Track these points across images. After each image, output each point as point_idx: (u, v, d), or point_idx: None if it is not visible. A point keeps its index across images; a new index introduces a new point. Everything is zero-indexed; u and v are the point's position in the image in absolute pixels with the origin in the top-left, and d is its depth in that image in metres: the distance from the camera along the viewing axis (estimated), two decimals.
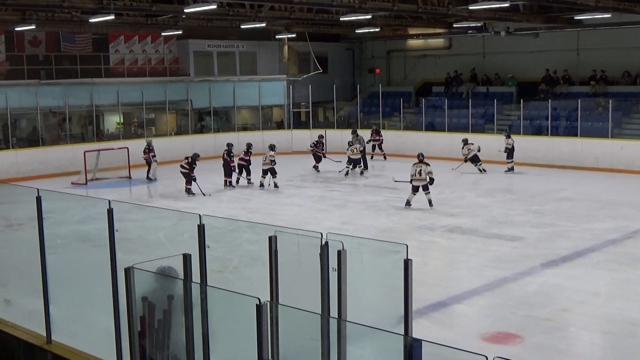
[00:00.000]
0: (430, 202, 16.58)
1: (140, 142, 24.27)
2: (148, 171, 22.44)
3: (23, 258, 8.90)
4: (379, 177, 23.03)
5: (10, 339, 7.19)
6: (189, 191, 19.36)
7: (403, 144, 27.06)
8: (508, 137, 23.07)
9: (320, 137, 25.36)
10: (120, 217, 7.03)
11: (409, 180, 16.89)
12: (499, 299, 10.34)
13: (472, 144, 22.92)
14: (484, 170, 22.48)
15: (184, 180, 19.62)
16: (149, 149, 22.52)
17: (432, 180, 16.66)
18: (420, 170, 16.60)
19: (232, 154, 20.87)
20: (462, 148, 22.96)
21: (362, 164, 23.29)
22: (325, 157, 24.31)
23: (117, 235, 6.80)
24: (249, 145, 21.44)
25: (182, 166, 19.73)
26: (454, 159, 24.84)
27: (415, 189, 16.73)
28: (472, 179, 21.90)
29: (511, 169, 22.80)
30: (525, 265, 12.00)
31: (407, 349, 3.89)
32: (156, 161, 22.62)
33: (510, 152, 22.91)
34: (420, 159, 17.00)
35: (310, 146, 24.78)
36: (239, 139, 27.88)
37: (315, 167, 23.87)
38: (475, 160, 22.61)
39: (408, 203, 16.68)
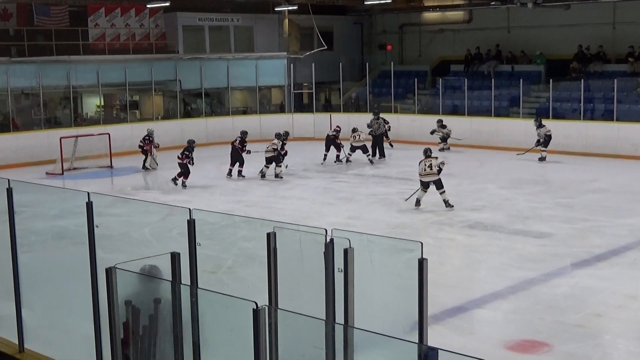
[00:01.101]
0: (447, 202, 16.03)
1: (122, 128, 24.33)
2: (145, 160, 22.44)
3: None
4: (390, 166, 23.02)
5: None
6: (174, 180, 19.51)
7: (418, 130, 27.03)
8: (540, 126, 22.55)
9: (338, 127, 24.47)
10: (101, 212, 7.04)
11: (420, 182, 16.42)
12: (525, 303, 10.34)
13: (446, 126, 25.35)
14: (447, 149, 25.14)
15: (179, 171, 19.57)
16: (149, 140, 22.45)
17: (439, 171, 16.17)
18: (431, 164, 16.17)
19: (245, 143, 21.03)
20: (436, 131, 25.16)
21: (367, 151, 23.18)
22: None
23: (97, 232, 6.81)
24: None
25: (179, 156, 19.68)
26: (475, 146, 24.86)
27: (425, 185, 16.23)
28: (495, 168, 21.88)
29: (543, 158, 22.66)
30: (554, 265, 11.99)
31: (422, 358, 3.89)
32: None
33: (546, 141, 22.63)
34: (428, 154, 16.50)
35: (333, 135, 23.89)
36: (233, 124, 27.99)
37: (337, 157, 23.49)
38: (444, 140, 25.23)
39: (418, 203, 16.25)
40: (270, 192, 18.73)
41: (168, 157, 22.71)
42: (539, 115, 24.87)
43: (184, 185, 19.30)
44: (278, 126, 25.58)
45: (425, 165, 16.26)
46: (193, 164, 19.55)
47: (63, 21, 27.45)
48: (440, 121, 25.78)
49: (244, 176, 20.67)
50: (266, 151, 20.57)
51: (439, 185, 16.17)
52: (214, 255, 11.14)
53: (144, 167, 22.46)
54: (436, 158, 16.53)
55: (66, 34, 27.04)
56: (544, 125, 22.76)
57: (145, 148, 22.47)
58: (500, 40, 30.31)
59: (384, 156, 24.19)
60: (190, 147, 19.78)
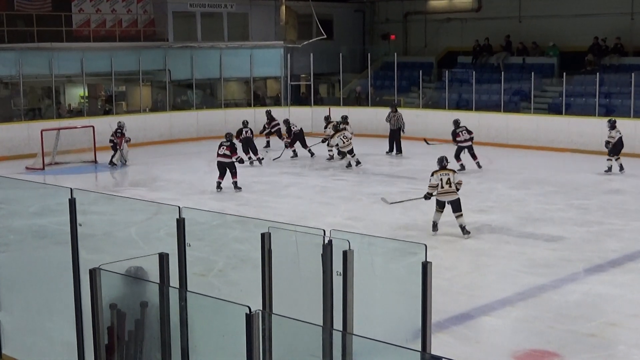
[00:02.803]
0: (464, 228, 14.02)
1: (107, 120, 24.28)
2: (113, 156, 22.36)
3: None
4: (393, 164, 23.03)
5: None
6: (235, 185, 18.50)
7: (422, 125, 27.04)
8: (613, 127, 21.04)
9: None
10: (85, 209, 7.05)
11: (425, 194, 14.46)
12: (535, 311, 10.36)
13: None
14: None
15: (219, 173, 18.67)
16: (121, 133, 22.40)
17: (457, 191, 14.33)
18: (449, 179, 14.08)
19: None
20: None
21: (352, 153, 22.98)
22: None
23: (80, 231, 6.83)
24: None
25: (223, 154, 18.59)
26: (483, 143, 24.83)
27: (441, 205, 14.17)
28: (504, 167, 21.89)
29: (609, 169, 20.75)
30: (566, 271, 12.01)
31: None
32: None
33: (614, 147, 20.78)
34: (444, 164, 14.47)
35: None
36: (225, 117, 27.99)
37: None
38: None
39: (435, 226, 14.23)
40: (265, 191, 18.73)
41: (153, 152, 22.74)
42: (549, 106, 24.91)
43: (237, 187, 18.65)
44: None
45: (442, 180, 14.12)
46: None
47: (45, 6, 27.43)
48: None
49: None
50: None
51: (456, 206, 14.10)
52: (204, 257, 11.14)
53: (111, 162, 22.30)
54: (454, 172, 14.50)
55: (48, 20, 27.00)
56: (616, 128, 21.00)
57: (116, 141, 22.34)
58: (511, 31, 30.33)
59: (401, 152, 24.21)
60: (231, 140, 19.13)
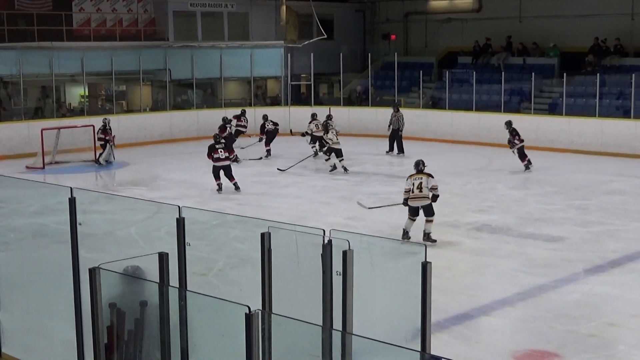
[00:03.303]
0: (427, 235, 13.48)
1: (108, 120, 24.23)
2: (101, 154, 22.37)
3: None
4: (393, 164, 23.02)
5: None
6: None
7: (423, 125, 27.05)
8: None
9: (244, 111, 26.05)
10: (85, 208, 7.05)
11: (403, 201, 13.81)
12: (535, 311, 10.36)
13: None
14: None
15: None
16: (110, 129, 22.45)
17: (435, 198, 13.61)
18: (420, 183, 13.44)
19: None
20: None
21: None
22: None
23: (80, 230, 6.83)
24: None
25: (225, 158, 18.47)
26: (483, 143, 24.86)
27: (413, 212, 13.59)
28: (504, 167, 21.89)
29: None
30: (567, 271, 12.01)
31: None
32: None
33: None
34: (420, 168, 13.74)
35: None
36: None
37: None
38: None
39: (406, 234, 13.62)
40: (265, 191, 18.73)
41: (154, 151, 22.75)
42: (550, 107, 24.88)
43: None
44: (275, 119, 25.57)
45: (413, 184, 13.51)
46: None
47: (45, 5, 27.42)
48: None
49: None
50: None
51: (428, 211, 13.51)
52: (204, 257, 11.14)
53: (97, 161, 22.28)
54: (430, 176, 13.60)
55: (49, 19, 26.99)
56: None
57: (107, 138, 22.35)
58: (512, 31, 30.31)
59: (403, 152, 24.24)
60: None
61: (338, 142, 21.00)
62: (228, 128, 22.61)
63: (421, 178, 13.53)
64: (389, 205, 15.24)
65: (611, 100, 25.44)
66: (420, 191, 13.43)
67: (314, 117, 24.43)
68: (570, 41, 28.86)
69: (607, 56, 27.64)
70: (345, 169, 20.86)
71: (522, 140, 21.09)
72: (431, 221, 13.48)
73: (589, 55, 27.83)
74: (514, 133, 21.11)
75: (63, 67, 26.24)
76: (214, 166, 18.29)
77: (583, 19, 28.60)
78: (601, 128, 24.35)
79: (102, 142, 22.38)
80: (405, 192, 13.66)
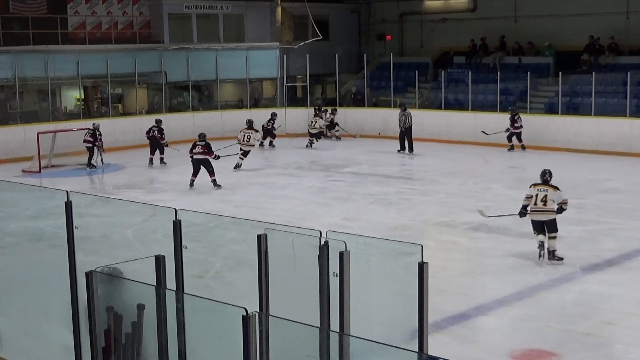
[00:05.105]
0: (552, 253, 12.25)
1: (103, 122, 24.21)
2: (91, 157, 22.34)
3: None
4: (390, 165, 23.03)
5: None
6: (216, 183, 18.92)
7: (418, 126, 26.99)
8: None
9: (274, 114, 26.84)
10: (81, 212, 7.04)
11: (519, 212, 12.85)
12: (532, 310, 10.36)
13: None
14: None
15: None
16: (99, 134, 22.44)
17: (561, 211, 12.40)
18: (545, 196, 12.22)
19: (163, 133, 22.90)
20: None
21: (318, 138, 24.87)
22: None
23: (76, 233, 6.82)
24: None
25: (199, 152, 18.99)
26: (479, 143, 24.87)
27: (539, 228, 12.36)
28: (500, 166, 21.92)
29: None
30: (563, 270, 12.01)
31: None
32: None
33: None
34: (546, 178, 12.49)
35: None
36: (222, 119, 27.98)
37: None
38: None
39: (541, 254, 12.31)
40: (261, 192, 18.73)
41: (149, 153, 22.72)
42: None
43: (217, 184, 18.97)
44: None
45: (537, 197, 12.28)
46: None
47: (40, 8, 27.39)
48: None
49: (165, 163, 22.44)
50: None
51: (551, 227, 12.26)
52: (201, 259, 11.15)
53: (90, 165, 22.29)
54: (556, 188, 12.35)
55: (44, 22, 26.98)
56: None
57: (97, 143, 22.32)
58: (507, 31, 30.34)
59: (412, 150, 24.41)
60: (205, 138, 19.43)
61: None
62: (152, 131, 22.75)
63: (546, 190, 12.27)
64: (508, 215, 14.15)
65: (607, 99, 25.46)
66: (545, 204, 12.20)
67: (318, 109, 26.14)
68: (566, 40, 28.89)
69: (602, 55, 27.68)
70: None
71: (520, 127, 23.79)
72: (554, 237, 12.23)
73: (584, 54, 27.85)
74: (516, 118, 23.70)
75: (59, 71, 26.22)
76: (193, 159, 18.98)
77: (578, 18, 28.64)
78: (597, 127, 24.37)
79: (89, 145, 22.28)
80: (527, 198, 12.52)
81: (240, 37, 31.74)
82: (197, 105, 30.01)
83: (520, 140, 24.50)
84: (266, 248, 5.87)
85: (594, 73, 25.32)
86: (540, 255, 12.27)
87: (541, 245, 12.28)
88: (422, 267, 5.41)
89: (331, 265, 5.71)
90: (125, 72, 27.69)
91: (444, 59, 32.12)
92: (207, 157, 18.86)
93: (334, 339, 5.02)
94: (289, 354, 4.86)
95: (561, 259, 12.24)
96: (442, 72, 29.07)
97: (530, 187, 12.58)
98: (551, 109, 26.05)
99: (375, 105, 29.79)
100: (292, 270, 6.16)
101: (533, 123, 25.10)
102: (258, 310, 5.27)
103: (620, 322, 9.94)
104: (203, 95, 31.13)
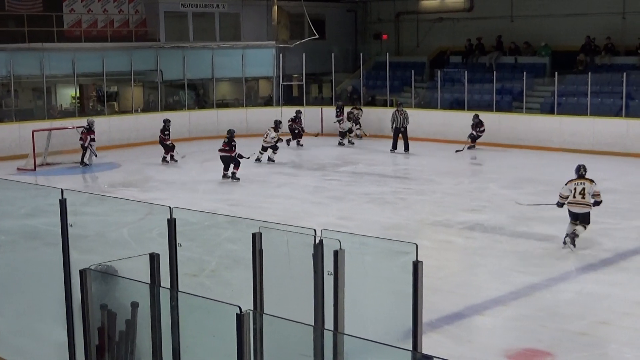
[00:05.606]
0: (573, 238, 12.96)
1: (99, 121, 24.18)
2: (84, 155, 22.32)
3: None
4: (385, 164, 23.04)
5: None
6: (233, 175, 19.72)
7: (415, 125, 27.00)
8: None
9: (298, 112, 26.78)
10: (76, 210, 7.04)
11: (557, 202, 13.44)
12: (527, 310, 10.37)
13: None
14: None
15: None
16: (89, 130, 22.40)
17: (597, 204, 13.16)
18: (583, 189, 12.95)
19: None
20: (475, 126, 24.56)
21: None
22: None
23: (72, 232, 6.82)
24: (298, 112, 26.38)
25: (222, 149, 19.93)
26: (475, 143, 24.86)
27: (575, 217, 13.03)
28: (496, 166, 21.93)
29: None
30: (559, 270, 12.04)
31: None
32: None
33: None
34: (581, 173, 13.25)
35: (289, 121, 26.22)
36: (218, 117, 27.96)
37: (288, 142, 25.61)
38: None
39: (572, 240, 12.97)
40: (257, 191, 18.72)
41: (146, 152, 22.71)
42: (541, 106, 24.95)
43: (235, 177, 19.65)
44: (266, 120, 25.56)
45: (575, 190, 13.02)
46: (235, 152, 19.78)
47: (36, 6, 27.36)
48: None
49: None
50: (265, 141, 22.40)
51: (584, 219, 12.99)
52: (196, 258, 11.14)
53: (82, 163, 22.27)
54: (592, 182, 13.13)
55: (39, 20, 26.93)
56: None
57: (91, 137, 22.29)
58: (503, 31, 30.36)
59: (408, 149, 24.51)
60: (231, 137, 19.91)
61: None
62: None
63: (583, 184, 13.03)
64: (546, 205, 14.69)
65: (603, 99, 25.49)
66: (583, 197, 12.94)
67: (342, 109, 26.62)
68: (562, 40, 28.92)
69: (598, 55, 27.72)
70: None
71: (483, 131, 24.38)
72: (584, 227, 12.98)
73: (581, 54, 27.89)
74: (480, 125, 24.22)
75: (54, 69, 26.16)
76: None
77: (574, 18, 28.67)
78: (593, 127, 24.40)
79: (82, 143, 22.27)
80: (561, 197, 13.20)
81: (236, 36, 31.72)
82: (193, 103, 29.98)
83: (473, 141, 24.66)
84: (261, 247, 5.87)
85: (590, 73, 25.34)
86: (572, 240, 12.89)
87: (572, 234, 12.91)
88: (416, 266, 5.41)
89: (326, 264, 5.71)
90: (121, 71, 27.64)
91: (441, 58, 32.14)
92: (228, 154, 19.67)
93: (328, 338, 5.02)
94: (283, 353, 4.86)
95: (574, 245, 12.88)
96: (439, 71, 29.06)
97: (566, 184, 13.22)
98: (547, 109, 26.07)
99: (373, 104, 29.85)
100: (287, 269, 6.16)
101: (529, 123, 25.14)
102: (253, 309, 5.28)
103: (614, 322, 9.96)
104: (199, 94, 31.10)
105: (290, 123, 26.06)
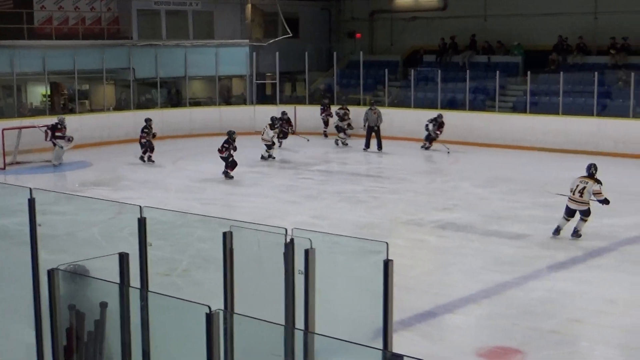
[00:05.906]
0: (577, 232, 13.65)
1: (70, 119, 24.00)
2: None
3: None
4: (359, 163, 23.08)
5: None
6: (226, 174, 19.86)
7: (388, 123, 27.07)
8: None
9: (284, 113, 26.26)
10: (45, 209, 6.99)
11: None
12: (499, 308, 10.44)
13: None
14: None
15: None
16: (59, 128, 22.24)
17: (605, 201, 13.58)
18: (584, 188, 13.44)
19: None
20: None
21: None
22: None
23: (41, 231, 6.76)
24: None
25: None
26: (447, 141, 24.97)
27: (570, 213, 13.68)
28: (469, 165, 22.04)
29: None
30: (530, 268, 12.11)
31: None
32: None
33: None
34: (591, 172, 13.70)
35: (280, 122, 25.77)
36: (191, 116, 27.86)
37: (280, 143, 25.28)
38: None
39: (557, 231, 13.78)
40: (230, 190, 18.69)
41: (117, 151, 22.57)
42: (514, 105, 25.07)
43: (229, 176, 19.76)
44: (240, 119, 25.60)
45: (577, 187, 13.57)
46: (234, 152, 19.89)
47: (6, 3, 27.09)
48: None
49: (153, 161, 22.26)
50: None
51: (585, 213, 13.65)
52: (168, 257, 11.11)
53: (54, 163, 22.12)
54: (598, 182, 13.58)
55: (10, 17, 26.66)
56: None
57: (66, 136, 22.15)
58: (477, 30, 30.50)
59: (381, 148, 24.55)
60: (230, 138, 19.99)
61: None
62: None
63: (586, 183, 13.52)
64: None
65: (574, 98, 25.68)
66: (581, 196, 13.47)
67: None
68: (535, 40, 29.11)
69: (570, 54, 27.93)
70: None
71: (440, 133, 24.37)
72: (585, 221, 13.62)
73: (553, 54, 28.11)
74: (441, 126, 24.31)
75: (24, 66, 25.92)
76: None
77: (547, 18, 28.85)
78: (565, 126, 24.60)
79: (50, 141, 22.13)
80: (571, 190, 13.71)
81: (209, 34, 31.60)
82: (166, 102, 29.84)
83: (429, 142, 24.70)
84: (231, 246, 5.86)
85: (562, 72, 25.54)
86: (556, 232, 13.73)
87: (558, 230, 13.71)
88: (387, 264, 5.42)
89: (297, 263, 5.71)
90: (93, 69, 27.44)
91: (414, 57, 32.23)
92: (220, 154, 19.88)
93: (299, 337, 5.02)
94: (254, 352, 4.86)
95: (580, 235, 13.63)
96: (412, 70, 29.12)
97: (575, 180, 13.76)
98: (520, 108, 26.23)
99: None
100: (258, 268, 6.15)
101: (502, 122, 25.30)
102: (223, 308, 5.26)
103: (586, 319, 10.04)
104: (172, 92, 30.96)
105: (281, 123, 25.74)
